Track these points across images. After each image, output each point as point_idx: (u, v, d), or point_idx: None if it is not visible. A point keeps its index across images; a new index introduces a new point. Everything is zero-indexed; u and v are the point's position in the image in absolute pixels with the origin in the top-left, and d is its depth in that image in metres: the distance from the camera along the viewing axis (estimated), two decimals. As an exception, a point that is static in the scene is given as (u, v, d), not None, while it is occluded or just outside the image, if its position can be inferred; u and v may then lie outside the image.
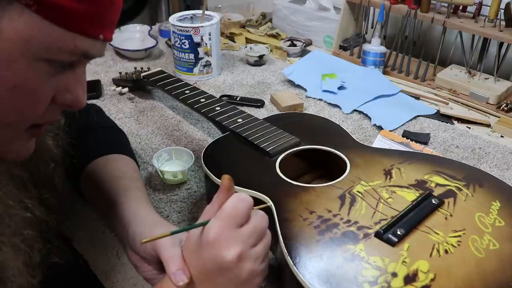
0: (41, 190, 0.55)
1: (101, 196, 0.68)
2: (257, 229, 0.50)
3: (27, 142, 0.48)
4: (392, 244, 0.55)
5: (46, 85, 0.43)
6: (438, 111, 1.08)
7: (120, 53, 1.34)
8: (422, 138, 0.96)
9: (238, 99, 1.11)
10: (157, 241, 0.55)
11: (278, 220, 0.59)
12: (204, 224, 0.49)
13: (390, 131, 0.98)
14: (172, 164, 0.87)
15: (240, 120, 0.83)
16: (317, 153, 0.76)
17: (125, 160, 0.75)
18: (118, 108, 1.08)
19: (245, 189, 0.66)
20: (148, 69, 1.14)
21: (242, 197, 0.50)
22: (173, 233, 0.51)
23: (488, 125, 1.04)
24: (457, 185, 0.66)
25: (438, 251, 0.54)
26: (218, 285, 0.49)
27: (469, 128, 1.03)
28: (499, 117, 1.06)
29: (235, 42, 1.46)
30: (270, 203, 0.62)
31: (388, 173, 0.68)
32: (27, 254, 0.47)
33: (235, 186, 0.66)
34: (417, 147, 0.89)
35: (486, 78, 1.16)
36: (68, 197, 0.63)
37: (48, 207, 0.55)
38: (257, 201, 0.65)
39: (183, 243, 0.53)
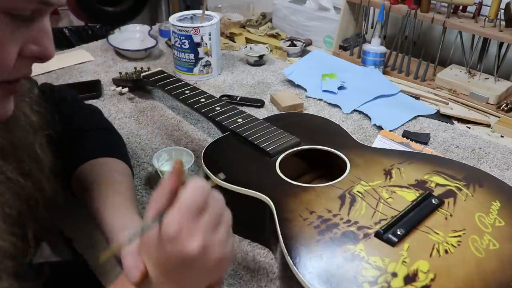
0: (22, 158, 0.54)
1: (88, 202, 0.68)
2: (215, 212, 0.47)
3: (2, 101, 0.48)
4: (392, 244, 0.55)
5: (10, 38, 0.42)
6: (438, 111, 1.08)
7: (120, 53, 1.34)
8: (422, 138, 0.96)
9: (238, 99, 1.11)
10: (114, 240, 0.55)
11: (278, 220, 0.59)
12: (159, 220, 0.46)
13: (390, 131, 0.98)
14: (172, 164, 0.86)
15: (240, 120, 0.83)
16: (317, 153, 0.76)
17: (113, 164, 0.74)
18: (118, 108, 1.08)
19: (245, 189, 0.66)
20: (148, 69, 1.14)
21: (198, 185, 0.47)
22: (130, 240, 0.48)
23: (488, 125, 1.04)
24: (457, 185, 0.66)
25: (438, 251, 0.54)
26: (187, 278, 0.48)
27: (469, 128, 1.03)
28: (499, 117, 1.06)
29: (235, 42, 1.46)
30: (221, 177, 0.58)
31: (388, 173, 0.68)
32: (8, 216, 0.47)
33: (235, 186, 0.67)
34: (417, 147, 0.89)
35: (486, 78, 1.16)
36: (57, 172, 0.61)
37: (30, 176, 0.54)
38: (256, 201, 0.65)
39: (142, 240, 0.50)
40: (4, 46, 0.42)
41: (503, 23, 1.10)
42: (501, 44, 1.11)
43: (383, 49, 1.22)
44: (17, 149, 0.54)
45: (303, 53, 1.37)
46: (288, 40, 1.40)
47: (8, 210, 0.48)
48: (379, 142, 0.92)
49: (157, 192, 0.48)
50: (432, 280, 0.51)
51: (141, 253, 0.50)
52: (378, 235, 0.56)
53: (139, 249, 0.50)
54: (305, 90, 1.16)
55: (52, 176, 0.60)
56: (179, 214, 0.45)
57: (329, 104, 1.11)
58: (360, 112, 1.07)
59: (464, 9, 1.18)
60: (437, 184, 0.66)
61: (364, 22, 1.37)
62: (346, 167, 0.70)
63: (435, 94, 1.16)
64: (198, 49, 1.18)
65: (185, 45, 1.18)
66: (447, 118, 1.06)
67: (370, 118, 1.04)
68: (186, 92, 0.96)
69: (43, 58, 0.46)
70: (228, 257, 0.49)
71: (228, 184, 0.67)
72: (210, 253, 0.47)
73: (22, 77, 0.48)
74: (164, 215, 0.46)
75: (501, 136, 1.00)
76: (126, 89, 1.13)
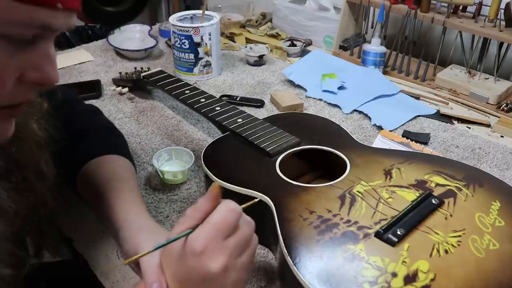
0: (26, 175, 0.54)
1: (95, 199, 0.68)
2: (243, 237, 0.48)
3: (2, 125, 0.45)
4: (392, 244, 0.55)
5: (7, 63, 0.40)
6: (438, 111, 1.08)
7: (120, 53, 1.34)
8: (422, 138, 0.96)
9: (238, 99, 1.11)
10: (136, 249, 0.55)
11: (278, 220, 0.59)
12: (187, 234, 0.48)
13: (390, 131, 0.98)
14: (172, 164, 0.87)
15: (240, 120, 0.83)
16: (317, 153, 0.76)
17: (118, 161, 0.74)
18: (118, 108, 1.08)
19: (245, 189, 0.66)
20: (148, 69, 1.14)
21: (231, 207, 0.48)
22: (155, 248, 0.49)
23: (488, 125, 1.04)
24: (457, 185, 0.66)
25: (438, 251, 0.54)
26: None
27: (469, 128, 1.03)
28: (499, 117, 1.06)
29: (235, 42, 1.46)
30: (257, 198, 0.59)
31: (388, 173, 0.68)
32: (7, 230, 0.46)
33: (235, 186, 0.67)
34: (417, 147, 0.89)
35: (486, 78, 1.16)
36: (57, 184, 0.61)
37: (34, 192, 0.54)
38: (258, 203, 0.65)
39: (162, 251, 0.51)
40: (0, 72, 0.39)
41: (503, 23, 1.10)
42: (501, 44, 1.11)
43: (383, 49, 1.22)
44: (22, 167, 0.54)
45: (303, 53, 1.37)
46: (288, 40, 1.40)
47: (8, 225, 0.47)
48: (379, 142, 0.92)
49: (189, 211, 0.49)
50: (432, 280, 0.51)
51: (162, 265, 0.51)
52: (378, 235, 0.56)
53: (161, 264, 0.51)
54: (305, 90, 1.16)
55: (55, 189, 0.60)
56: (208, 231, 0.47)
57: (329, 104, 1.11)
58: (360, 112, 1.07)
59: (464, 9, 1.18)
60: (437, 184, 0.66)
61: (364, 22, 1.37)
62: (346, 167, 0.70)
63: (435, 94, 1.16)
64: (198, 49, 1.18)
65: (185, 45, 1.18)
66: (447, 118, 1.06)
67: (370, 118, 1.04)
68: (186, 92, 0.96)
69: (44, 84, 0.44)
70: (245, 282, 0.50)
71: (228, 184, 0.67)
72: (230, 276, 0.47)
73: (23, 102, 0.45)
74: (193, 231, 0.47)
75: (501, 136, 1.00)
76: (126, 89, 1.13)
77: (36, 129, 0.56)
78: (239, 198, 0.66)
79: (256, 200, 0.57)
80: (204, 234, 0.47)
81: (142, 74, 1.08)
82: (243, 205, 0.52)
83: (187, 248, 0.47)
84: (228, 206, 0.48)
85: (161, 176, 0.83)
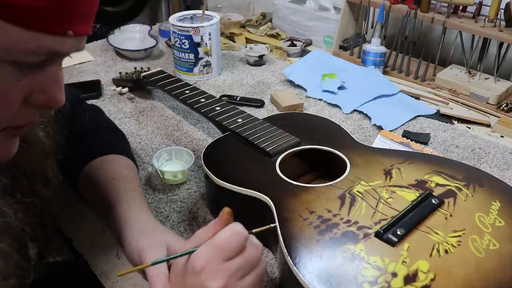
0: (33, 184, 0.54)
1: (97, 199, 0.68)
2: (248, 260, 0.48)
3: (5, 143, 0.45)
4: (392, 244, 0.55)
5: (14, 87, 0.39)
6: (438, 111, 1.08)
7: (120, 53, 1.34)
8: (422, 138, 0.96)
9: (238, 99, 1.11)
10: (143, 256, 0.56)
11: (278, 220, 0.59)
12: (190, 252, 0.48)
13: (390, 131, 0.98)
14: (172, 164, 0.87)
15: (240, 120, 0.83)
16: (317, 153, 0.76)
17: (121, 160, 0.74)
18: (118, 108, 1.08)
19: (245, 189, 0.66)
20: (148, 69, 1.14)
21: (237, 230, 0.48)
22: (153, 263, 0.50)
23: (488, 125, 1.04)
24: (457, 185, 0.66)
25: (438, 251, 0.54)
26: None
27: (469, 128, 1.03)
28: (499, 117, 1.06)
29: (235, 42, 1.46)
30: (275, 224, 0.59)
31: (388, 173, 0.68)
32: (14, 240, 0.47)
33: (235, 186, 0.67)
34: (417, 147, 0.89)
35: (486, 78, 1.16)
36: (63, 190, 0.61)
37: (40, 200, 0.54)
38: (256, 201, 0.65)
39: (172, 265, 0.52)
40: (6, 95, 0.39)
41: (503, 23, 1.10)
42: (501, 44, 1.11)
43: (383, 49, 1.22)
44: (29, 177, 0.54)
45: (303, 53, 1.37)
46: (288, 40, 1.40)
47: (15, 239, 0.47)
48: (379, 142, 0.92)
49: (199, 231, 0.50)
50: (432, 280, 0.51)
51: (170, 278, 0.52)
52: (378, 235, 0.56)
53: (170, 275, 0.52)
54: (305, 90, 1.16)
55: (61, 195, 0.60)
56: (210, 251, 0.47)
57: (329, 104, 1.11)
58: (360, 112, 1.07)
59: (464, 9, 1.18)
60: (437, 184, 0.66)
61: (364, 22, 1.37)
62: (346, 167, 0.70)
63: (435, 94, 1.16)
64: (198, 49, 1.18)
65: (185, 45, 1.18)
66: (447, 118, 1.06)
67: (370, 118, 1.04)
68: (186, 92, 0.96)
69: (51, 107, 0.44)
70: None
71: (228, 184, 0.67)
72: None
73: (28, 123, 0.45)
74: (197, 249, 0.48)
75: (501, 136, 1.00)
76: (126, 89, 1.13)
77: (43, 138, 0.56)
78: (239, 198, 0.66)
79: (271, 225, 0.57)
80: (205, 253, 0.47)
81: (142, 74, 1.08)
82: (257, 229, 0.52)
83: (188, 265, 0.48)
84: (234, 229, 0.48)
85: (161, 176, 0.83)
